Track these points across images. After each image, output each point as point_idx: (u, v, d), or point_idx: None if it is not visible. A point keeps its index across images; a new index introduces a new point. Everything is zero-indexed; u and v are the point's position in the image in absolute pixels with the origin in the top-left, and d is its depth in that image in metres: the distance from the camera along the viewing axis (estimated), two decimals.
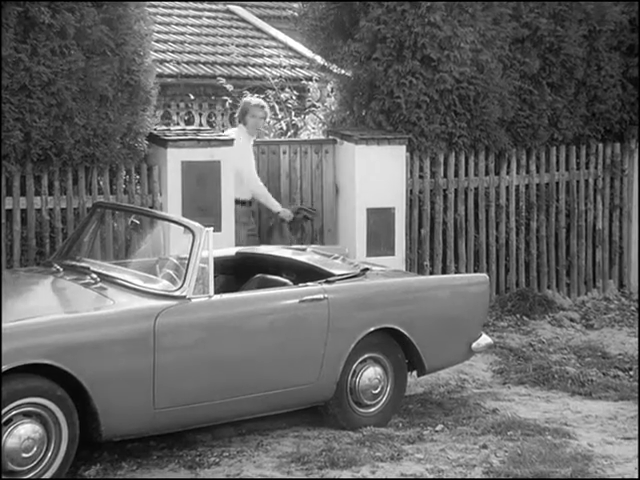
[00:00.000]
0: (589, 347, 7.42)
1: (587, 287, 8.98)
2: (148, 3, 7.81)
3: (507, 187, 8.58)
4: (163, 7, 11.97)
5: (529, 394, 6.27)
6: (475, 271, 8.26)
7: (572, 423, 5.63)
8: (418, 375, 5.93)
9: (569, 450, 5.04)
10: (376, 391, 5.55)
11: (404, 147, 7.88)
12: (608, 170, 9.08)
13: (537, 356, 7.12)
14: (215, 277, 5.14)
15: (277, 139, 8.30)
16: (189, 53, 11.13)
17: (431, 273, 8.09)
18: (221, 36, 11.98)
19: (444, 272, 8.17)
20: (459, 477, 4.71)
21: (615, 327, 8.19)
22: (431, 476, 4.73)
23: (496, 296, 8.41)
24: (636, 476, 4.65)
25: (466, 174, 8.35)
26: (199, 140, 7.12)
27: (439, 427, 5.46)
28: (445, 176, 8.24)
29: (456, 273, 8.14)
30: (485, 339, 6.07)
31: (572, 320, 8.27)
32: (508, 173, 8.58)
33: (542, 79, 8.47)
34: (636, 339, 7.78)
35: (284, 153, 7.75)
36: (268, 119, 8.03)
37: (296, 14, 8.99)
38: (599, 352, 7.31)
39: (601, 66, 8.75)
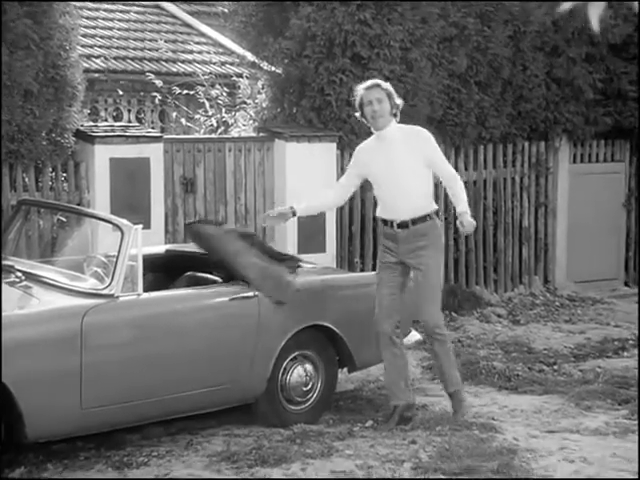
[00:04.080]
0: (515, 342, 7.55)
1: (514, 283, 9.15)
2: None
3: (436, 185, 8.66)
4: (90, 1, 11.75)
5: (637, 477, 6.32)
6: None
7: (499, 417, 5.72)
8: (349, 372, 5.96)
9: (495, 444, 5.12)
10: (307, 388, 5.57)
11: (335, 144, 7.91)
12: (533, 168, 9.27)
13: (465, 352, 7.21)
14: (144, 275, 5.08)
15: (223, 136, 8.23)
16: (117, 48, 10.97)
17: (361, 270, 8.14)
18: (150, 31, 11.84)
19: (375, 269, 8.21)
20: (388, 473, 4.75)
21: (540, 322, 8.36)
22: (361, 472, 4.75)
23: None
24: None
25: None
26: (128, 137, 7.03)
27: (369, 423, 5.49)
28: None
29: None
30: (414, 335, 6.12)
31: (499, 316, 8.41)
32: None
33: (470, 78, 8.59)
34: (560, 334, 7.96)
35: (229, 151, 7.70)
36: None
37: (226, 11, 8.95)
38: (525, 347, 7.45)
39: (526, 66, 8.93)
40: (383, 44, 7.93)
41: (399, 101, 5.44)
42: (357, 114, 5.48)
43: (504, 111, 8.87)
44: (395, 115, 5.42)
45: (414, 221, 5.40)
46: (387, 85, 5.45)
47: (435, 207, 5.54)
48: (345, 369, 5.91)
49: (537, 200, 9.32)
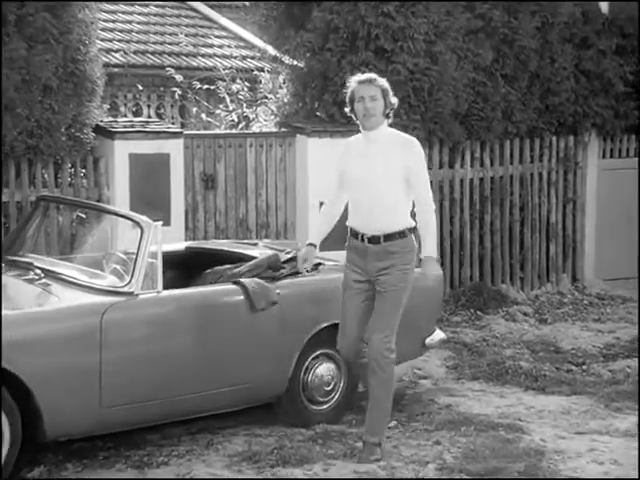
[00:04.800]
0: (542, 342, 7.52)
1: (541, 281, 9.11)
2: None
3: (461, 180, 8.65)
4: (108, 1, 11.82)
5: (483, 389, 6.33)
6: None
7: (525, 418, 5.70)
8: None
9: (522, 445, 5.11)
10: (329, 388, 5.57)
11: None
12: (561, 163, 9.21)
13: (491, 351, 7.19)
14: (164, 272, 5.11)
15: (244, 132, 8.26)
16: (137, 42, 11.04)
17: None
18: (170, 25, 11.89)
19: None
20: (412, 474, 4.74)
21: (568, 321, 8.31)
22: (384, 472, 4.75)
23: (450, 291, 8.48)
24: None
25: None
26: (147, 132, 7.08)
27: (392, 423, 5.49)
28: None
29: None
30: (439, 334, 6.10)
31: (526, 314, 8.37)
32: (462, 166, 8.65)
33: (496, 71, 8.55)
34: (589, 333, 7.91)
35: (250, 146, 7.73)
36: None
37: (247, 4, 8.97)
38: (552, 347, 7.41)
39: (554, 58, 8.87)
40: (407, 37, 7.91)
41: (394, 100, 4.98)
42: (347, 109, 5.02)
43: (531, 105, 8.82)
44: (388, 116, 4.97)
45: (387, 237, 4.91)
46: (383, 81, 4.97)
47: (412, 224, 4.97)
48: None
49: (565, 196, 9.27)
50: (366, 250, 4.96)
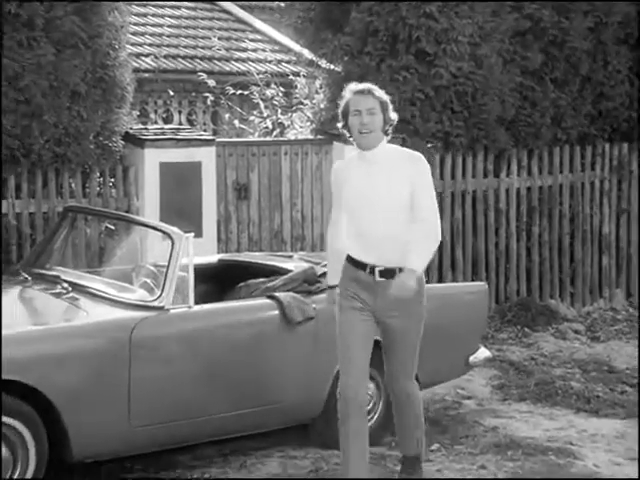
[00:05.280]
0: (595, 361, 7.45)
1: (593, 297, 9.03)
2: None
3: (507, 190, 8.62)
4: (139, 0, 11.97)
5: (531, 411, 6.30)
6: (473, 280, 8.29)
7: (577, 442, 5.65)
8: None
9: (574, 471, 5.07)
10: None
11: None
12: (615, 171, 9.14)
13: (539, 370, 7.15)
14: (195, 286, 5.15)
15: (279, 139, 8.31)
16: (167, 46, 11.15)
17: (426, 282, 8.10)
18: (202, 28, 12.00)
19: (440, 281, 8.20)
20: None
21: (622, 340, 8.23)
22: None
23: (495, 306, 8.44)
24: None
25: (463, 176, 8.39)
26: (178, 140, 7.14)
27: (435, 446, 5.47)
28: (441, 178, 8.27)
29: (453, 282, 8.16)
30: (484, 352, 6.09)
31: (577, 332, 8.31)
32: (508, 175, 8.62)
33: (545, 75, 8.52)
34: None
35: (285, 154, 7.77)
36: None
37: (282, 5, 9.04)
38: (605, 366, 7.35)
39: (608, 61, 8.81)
40: (450, 39, 7.92)
41: (394, 116, 4.57)
42: (339, 124, 4.60)
43: (582, 110, 8.77)
44: (387, 133, 4.56)
45: (402, 269, 4.44)
46: (382, 93, 4.55)
47: None
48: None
49: (618, 206, 9.19)
50: (375, 285, 4.51)
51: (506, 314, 8.38)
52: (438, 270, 8.24)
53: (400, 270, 4.44)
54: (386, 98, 4.56)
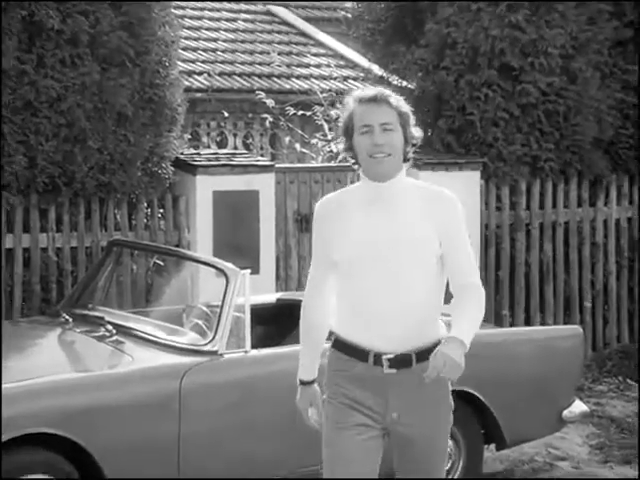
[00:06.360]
0: None
1: None
2: (174, 4, 7.97)
3: (605, 221, 8.53)
4: (192, 9, 12.19)
5: (637, 477, 6.18)
6: (566, 323, 8.20)
7: None
8: (497, 449, 5.90)
9: None
10: (446, 467, 5.52)
11: (478, 173, 7.90)
12: None
13: None
14: (253, 328, 5.19)
15: (345, 164, 8.34)
16: (222, 63, 11.30)
17: (511, 325, 8.05)
18: (260, 42, 12.14)
19: (527, 324, 8.13)
20: None
21: None
22: None
23: (592, 353, 8.33)
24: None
25: (554, 205, 8.32)
26: (234, 166, 7.22)
27: None
28: (528, 208, 8.23)
29: (542, 325, 8.09)
30: (579, 406, 6.03)
31: None
32: (606, 204, 8.53)
33: None
34: None
35: (352, 182, 7.79)
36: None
37: (349, 16, 9.11)
38: None
39: None
40: (539, 51, 7.90)
41: (418, 133, 3.63)
42: (339, 146, 3.72)
43: None
44: (407, 158, 3.62)
45: (420, 354, 3.53)
46: (401, 101, 3.63)
47: (445, 328, 3.64)
48: (493, 445, 5.84)
49: None
50: (384, 381, 3.54)
51: (605, 363, 8.26)
52: (525, 312, 8.17)
53: (418, 357, 3.52)
54: (407, 108, 3.62)
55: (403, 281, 3.53)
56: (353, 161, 3.65)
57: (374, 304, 3.54)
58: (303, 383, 3.79)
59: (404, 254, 3.53)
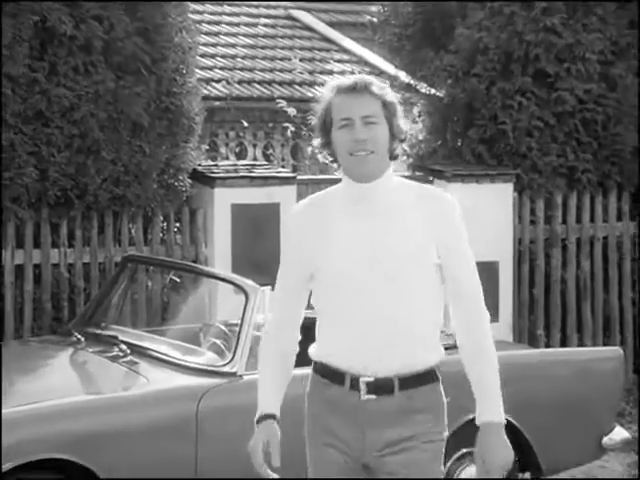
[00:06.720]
0: None
1: None
2: (191, 8, 7.98)
3: None
4: (210, 13, 12.22)
5: None
6: (605, 343, 8.14)
7: None
8: (532, 477, 5.84)
9: None
10: None
11: (511, 185, 7.85)
12: None
13: None
14: None
15: None
16: (241, 70, 11.32)
17: (547, 345, 7.99)
18: (281, 48, 12.16)
19: (564, 345, 8.06)
20: None
21: None
22: None
23: (634, 376, 8.26)
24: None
25: (592, 219, 8.27)
26: (253, 178, 7.21)
27: None
28: (564, 222, 8.17)
29: (580, 346, 8.03)
30: (620, 433, 5.97)
31: None
32: None
33: None
34: None
35: None
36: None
37: (375, 20, 9.10)
38: None
39: None
40: (576, 57, 7.86)
41: (406, 125, 3.36)
42: (315, 142, 3.41)
43: None
44: (395, 156, 3.36)
45: (406, 380, 3.27)
46: (385, 89, 3.32)
47: (442, 352, 3.43)
48: (527, 474, 5.79)
49: None
50: (362, 408, 3.27)
51: None
52: (561, 332, 8.10)
53: (401, 383, 3.26)
54: (393, 97, 3.31)
55: (395, 296, 3.25)
56: (331, 159, 3.40)
57: (357, 324, 3.26)
58: (263, 417, 3.42)
59: (395, 262, 3.26)
